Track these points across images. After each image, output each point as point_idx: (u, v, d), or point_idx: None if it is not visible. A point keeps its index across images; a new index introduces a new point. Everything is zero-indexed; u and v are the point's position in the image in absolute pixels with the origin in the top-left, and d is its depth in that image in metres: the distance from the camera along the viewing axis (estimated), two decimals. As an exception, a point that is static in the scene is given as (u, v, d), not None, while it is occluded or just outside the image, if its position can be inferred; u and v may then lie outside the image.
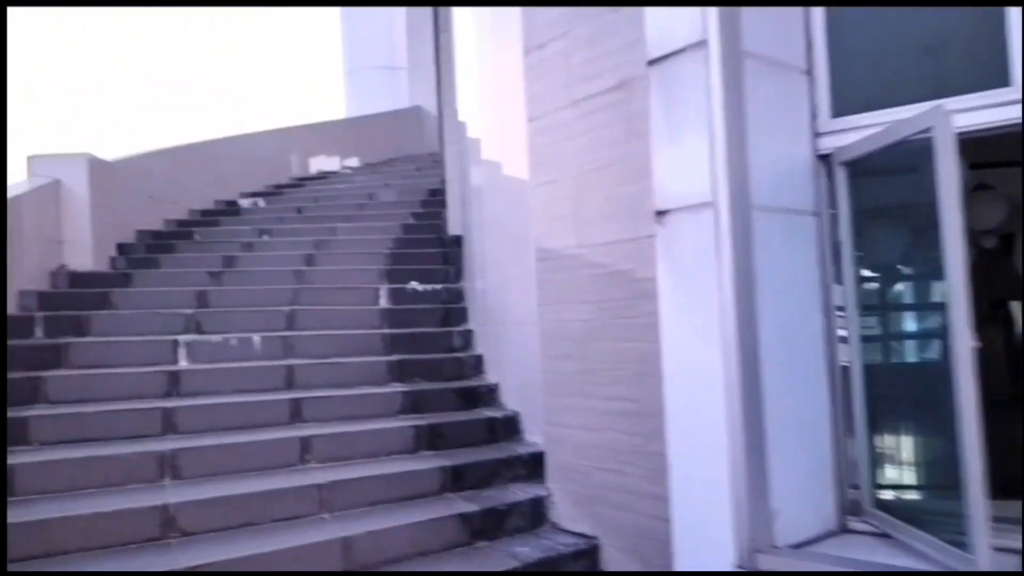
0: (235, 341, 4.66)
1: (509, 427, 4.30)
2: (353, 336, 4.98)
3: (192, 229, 7.01)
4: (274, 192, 8.77)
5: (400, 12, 14.22)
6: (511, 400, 4.51)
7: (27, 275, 5.19)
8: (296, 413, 4.06)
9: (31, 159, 5.72)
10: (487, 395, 4.60)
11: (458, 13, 5.91)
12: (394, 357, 4.78)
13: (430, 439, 4.04)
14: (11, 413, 3.55)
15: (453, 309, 5.54)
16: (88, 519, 2.86)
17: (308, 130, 10.38)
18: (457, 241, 6.52)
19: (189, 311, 4.95)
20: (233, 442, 3.64)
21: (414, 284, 5.79)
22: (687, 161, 2.61)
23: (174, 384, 4.19)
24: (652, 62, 2.81)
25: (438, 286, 5.80)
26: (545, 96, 3.85)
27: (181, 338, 4.59)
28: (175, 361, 4.50)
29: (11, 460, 3.17)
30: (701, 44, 2.59)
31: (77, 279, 5.51)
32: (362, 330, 5.14)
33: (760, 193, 2.65)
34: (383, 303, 5.60)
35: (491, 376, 4.80)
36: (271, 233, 6.90)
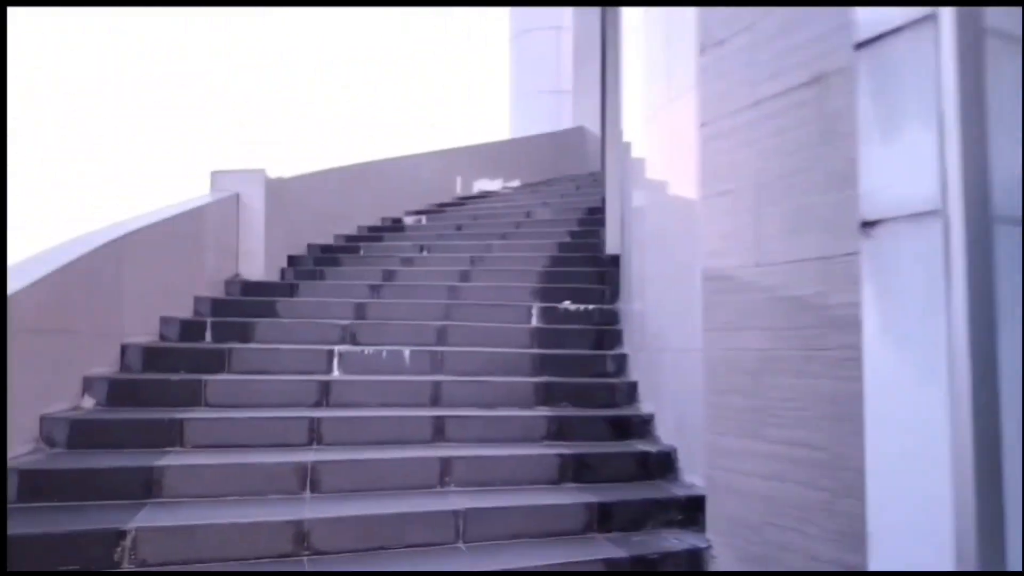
0: (386, 354, 4.61)
1: (664, 464, 3.87)
2: (502, 355, 4.77)
3: (359, 244, 7.21)
4: (437, 210, 8.90)
5: (568, 37, 14.24)
6: (667, 434, 4.07)
7: (205, 282, 5.50)
8: (439, 431, 3.89)
9: (214, 174, 6.11)
10: (640, 426, 4.19)
11: (627, 21, 5.62)
12: (542, 379, 4.51)
13: (576, 470, 3.70)
14: (172, 414, 3.66)
15: (607, 331, 5.19)
16: (224, 529, 2.81)
17: (472, 151, 10.51)
18: (614, 261, 6.16)
19: (346, 322, 4.98)
20: (374, 458, 3.52)
21: (567, 304, 5.51)
22: (906, 160, 2.11)
23: (324, 394, 4.17)
24: (861, 45, 2.33)
25: (591, 306, 5.47)
26: (722, 98, 3.43)
27: (336, 348, 4.61)
28: (328, 371, 4.52)
29: (163, 461, 3.23)
30: (928, 19, 2.09)
31: (248, 288, 5.77)
32: (511, 348, 4.92)
33: (1001, 200, 2.09)
34: (534, 322, 5.37)
35: (646, 406, 4.38)
36: (430, 249, 6.93)
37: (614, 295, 5.68)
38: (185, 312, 5.13)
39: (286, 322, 5.03)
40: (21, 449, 3.29)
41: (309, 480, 3.32)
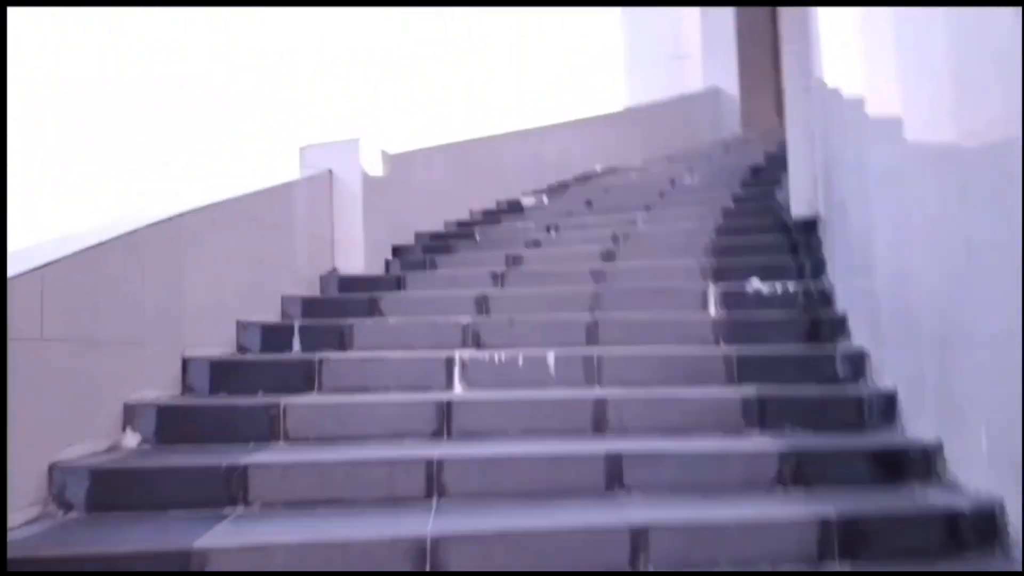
0: (522, 360, 3.38)
1: (984, 529, 2.40)
2: (680, 358, 3.44)
3: (472, 228, 6.06)
4: (557, 189, 7.65)
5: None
6: (979, 475, 2.56)
7: (296, 278, 4.49)
8: (614, 477, 2.60)
9: (304, 149, 5.10)
10: (920, 464, 2.72)
11: None
12: (748, 391, 3.13)
13: (844, 542, 2.31)
14: (237, 458, 2.57)
15: (823, 319, 3.73)
16: None
17: (591, 123, 9.19)
18: (809, 226, 4.70)
19: (466, 320, 3.80)
20: (522, 529, 2.29)
21: (755, 283, 4.10)
22: None
23: (444, 419, 2.99)
24: None
25: (791, 285, 4.03)
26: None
27: (456, 354, 3.43)
28: (448, 385, 3.35)
29: (209, 542, 2.11)
30: None
31: (346, 283, 4.72)
32: (691, 346, 3.59)
33: None
34: (713, 310, 4.00)
35: (919, 428, 2.91)
36: (558, 228, 5.68)
37: (817, 268, 4.22)
38: (271, 315, 4.12)
39: (393, 322, 3.91)
40: (19, 517, 2.27)
41: (430, 564, 2.12)
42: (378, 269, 5.17)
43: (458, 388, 3.35)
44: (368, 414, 3.00)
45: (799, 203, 4.89)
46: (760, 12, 10.41)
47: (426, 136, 6.88)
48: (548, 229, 5.72)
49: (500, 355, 3.41)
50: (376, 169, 5.35)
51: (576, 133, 8.89)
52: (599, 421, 3.00)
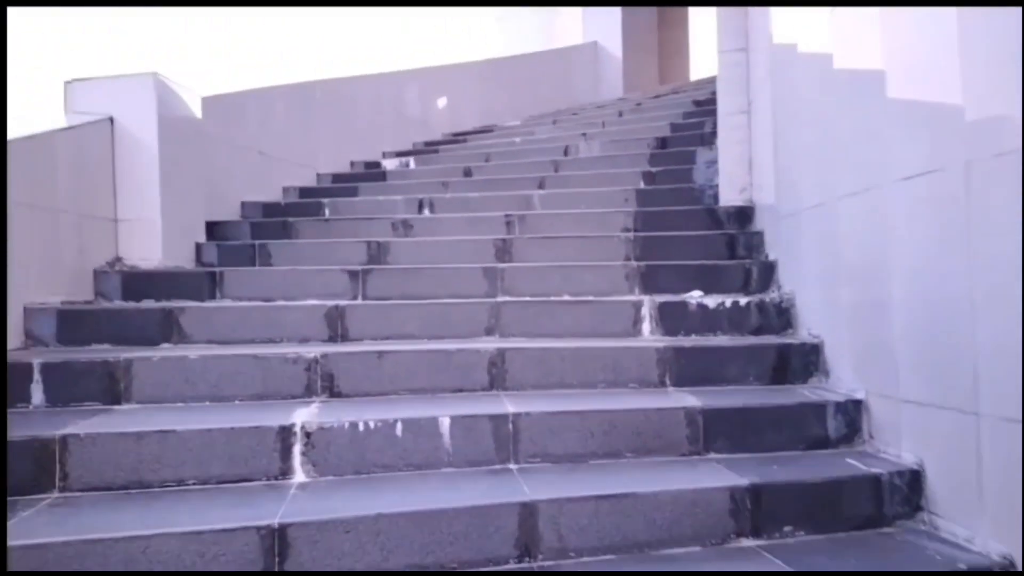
0: (402, 429, 2.23)
1: None
2: (625, 415, 2.43)
3: (320, 200, 4.71)
4: (427, 150, 6.40)
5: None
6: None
7: (53, 277, 3.01)
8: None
9: (69, 85, 3.52)
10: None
11: None
12: (729, 477, 2.19)
13: None
14: None
15: (791, 347, 2.86)
16: None
17: (460, 71, 7.95)
18: (743, 216, 3.86)
19: (312, 351, 2.58)
20: None
21: (697, 296, 3.18)
22: None
23: (278, 548, 1.80)
24: None
25: (741, 299, 3.14)
26: None
27: (297, 421, 2.22)
28: (283, 472, 2.14)
29: None
30: None
31: (135, 283, 3.30)
32: (634, 394, 2.60)
33: None
34: (651, 332, 3.05)
35: (969, 529, 2.10)
36: (433, 206, 4.48)
37: (765, 273, 3.37)
38: (12, 338, 2.66)
39: (196, 358, 2.58)
40: None
41: None
42: (185, 259, 3.75)
43: (299, 475, 2.16)
44: (157, 551, 1.74)
45: (730, 189, 4.03)
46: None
47: (259, 75, 5.37)
48: (421, 206, 4.50)
49: (367, 421, 2.23)
50: (183, 116, 3.87)
51: (443, 82, 7.63)
52: (527, 528, 1.93)
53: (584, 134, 5.77)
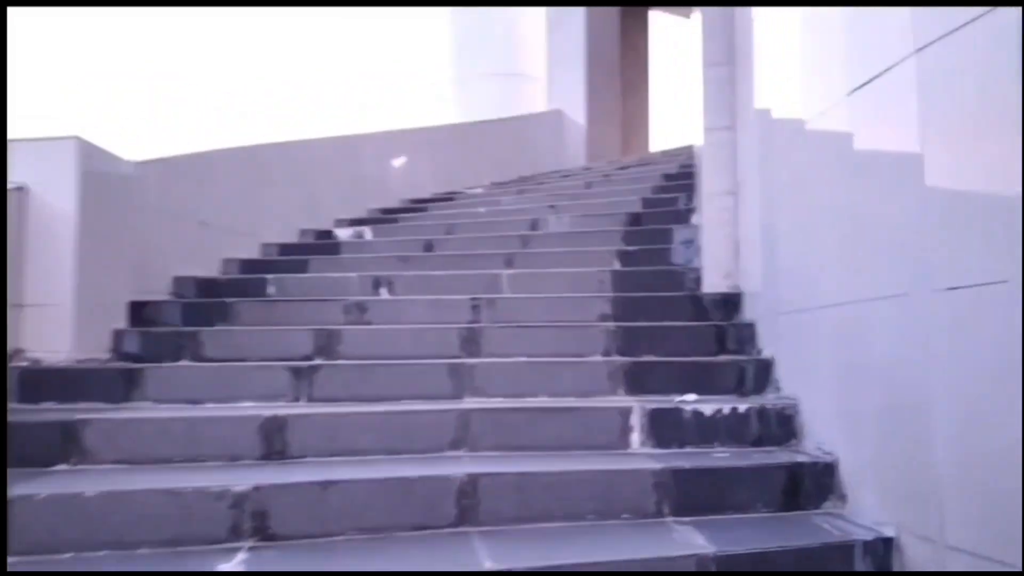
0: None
1: None
2: (622, 563, 2.01)
3: (264, 276, 4.26)
4: (384, 218, 6.01)
5: (524, 14, 11.59)
6: None
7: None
8: None
9: (-28, 148, 3.06)
10: None
11: None
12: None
13: None
14: None
15: (802, 469, 2.50)
16: None
17: (419, 136, 7.67)
18: (729, 304, 3.56)
19: (241, 483, 2.11)
20: None
21: (691, 401, 2.82)
22: None
23: None
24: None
25: (739, 404, 2.79)
26: None
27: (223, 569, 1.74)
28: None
29: None
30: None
31: (34, 382, 2.79)
32: (622, 525, 2.20)
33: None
34: (640, 443, 2.67)
35: None
36: (392, 286, 4.07)
37: (762, 373, 3.04)
38: None
39: (92, 495, 2.07)
40: None
41: None
42: (101, 350, 3.24)
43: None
44: None
45: (714, 273, 3.74)
46: (611, 31, 9.54)
47: (205, 140, 4.96)
48: (377, 285, 4.09)
49: (306, 586, 1.77)
50: (110, 183, 3.42)
51: (403, 147, 7.32)
52: None
53: (552, 206, 5.48)
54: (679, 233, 4.54)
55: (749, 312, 3.48)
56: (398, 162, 7.25)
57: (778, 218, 3.05)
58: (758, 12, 3.30)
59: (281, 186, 5.46)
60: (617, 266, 4.23)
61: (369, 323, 3.64)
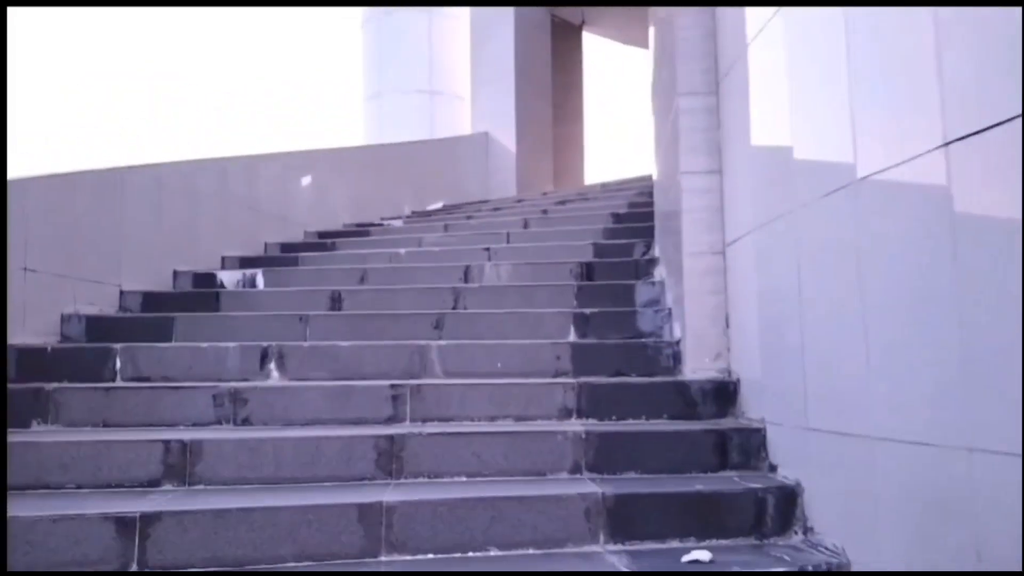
0: None
1: None
2: None
3: (111, 347, 3.20)
4: (283, 258, 4.98)
5: (444, 24, 10.83)
6: None
7: None
8: None
9: None
10: None
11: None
12: None
13: None
14: None
15: None
16: None
17: (330, 158, 6.68)
18: (724, 395, 2.81)
19: None
20: None
21: (703, 561, 2.01)
22: None
23: None
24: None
25: (771, 566, 2.00)
26: None
27: None
28: None
29: None
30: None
31: None
32: None
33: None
34: (639, 641, 1.81)
35: None
36: (284, 361, 3.11)
37: (787, 508, 2.26)
38: None
39: None
40: None
41: None
42: None
43: None
44: None
45: (699, 353, 2.98)
46: (543, 51, 8.82)
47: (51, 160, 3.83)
48: (264, 360, 3.11)
49: None
50: None
51: (308, 170, 6.30)
52: None
53: (487, 249, 4.62)
54: (642, 291, 3.78)
55: (751, 407, 2.73)
56: (303, 189, 6.23)
57: (786, 285, 2.29)
58: (754, 23, 2.58)
59: (155, 216, 4.37)
60: (574, 336, 3.41)
61: (247, 422, 2.67)
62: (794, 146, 2.30)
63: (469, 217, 6.08)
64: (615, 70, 11.56)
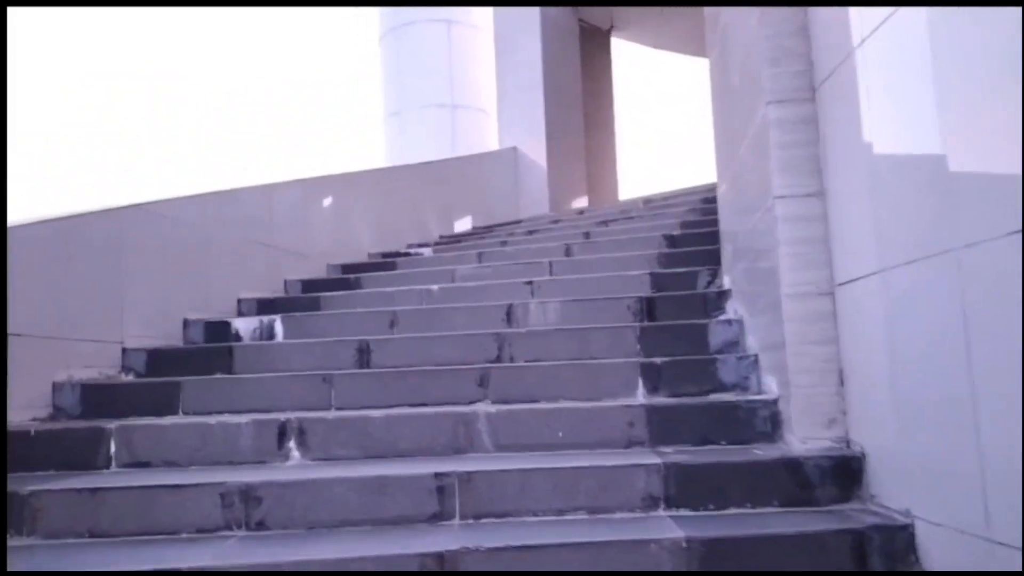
0: None
1: None
2: None
3: (103, 427, 2.74)
4: (303, 300, 4.51)
5: (464, 34, 10.45)
6: None
7: None
8: None
9: None
10: None
11: None
12: None
13: None
14: None
15: None
16: None
17: (352, 182, 6.22)
18: (847, 474, 2.26)
19: None
20: None
21: None
22: None
23: None
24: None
25: None
26: None
27: None
28: None
29: None
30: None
31: None
32: None
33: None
34: None
35: None
36: (305, 438, 2.62)
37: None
38: None
39: None
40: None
41: None
42: None
43: None
44: None
45: (809, 419, 2.44)
46: (572, 59, 8.32)
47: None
48: (284, 435, 2.63)
49: None
50: None
51: (328, 196, 5.84)
52: None
53: (529, 283, 4.12)
54: (716, 332, 3.25)
55: (885, 489, 2.17)
56: (326, 202, 5.76)
57: (945, 338, 1.75)
58: (872, 13, 2.05)
59: (155, 260, 3.92)
60: (643, 393, 2.89)
61: (262, 526, 2.17)
62: (950, 161, 1.76)
63: (503, 243, 5.58)
64: (642, 76, 11.05)
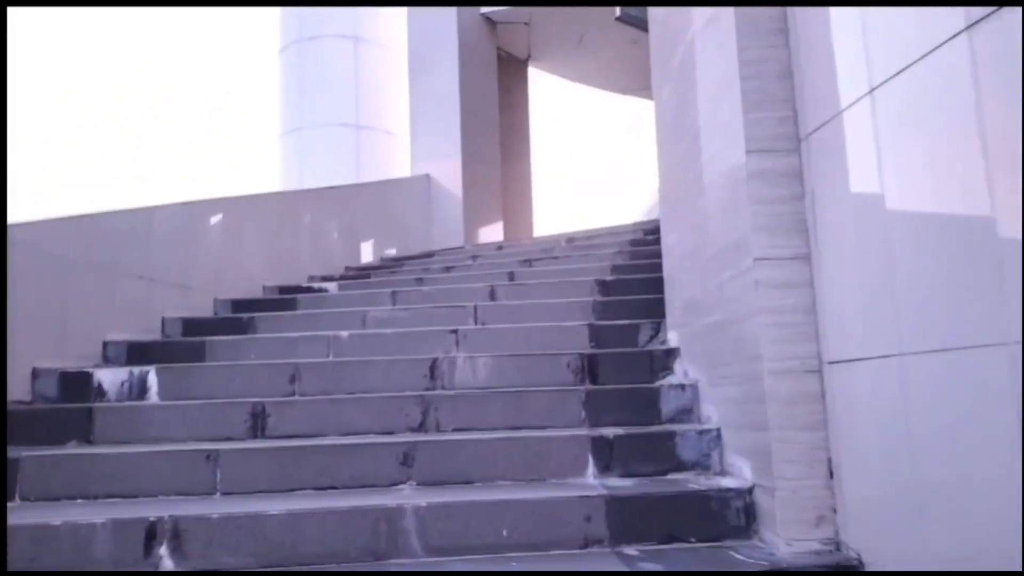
0: None
1: None
2: None
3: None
4: (183, 347, 3.84)
5: (372, 52, 10.02)
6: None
7: None
8: None
9: None
10: None
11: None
12: None
13: None
14: None
15: None
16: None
17: (244, 207, 5.56)
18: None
19: None
20: None
21: None
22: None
23: None
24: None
25: None
26: None
27: None
28: None
29: None
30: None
31: None
32: None
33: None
34: None
35: None
36: (181, 539, 2.04)
37: None
38: None
39: None
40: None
41: None
42: None
43: None
44: None
45: (795, 518, 2.12)
46: (490, 83, 7.99)
47: None
48: (152, 539, 2.04)
49: None
50: None
51: (216, 221, 5.17)
52: None
53: (454, 332, 3.66)
54: (669, 399, 2.92)
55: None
56: (214, 220, 5.08)
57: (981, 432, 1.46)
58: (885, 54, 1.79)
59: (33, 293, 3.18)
60: (596, 476, 2.50)
61: None
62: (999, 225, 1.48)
63: (419, 280, 5.09)
64: (556, 109, 10.91)
